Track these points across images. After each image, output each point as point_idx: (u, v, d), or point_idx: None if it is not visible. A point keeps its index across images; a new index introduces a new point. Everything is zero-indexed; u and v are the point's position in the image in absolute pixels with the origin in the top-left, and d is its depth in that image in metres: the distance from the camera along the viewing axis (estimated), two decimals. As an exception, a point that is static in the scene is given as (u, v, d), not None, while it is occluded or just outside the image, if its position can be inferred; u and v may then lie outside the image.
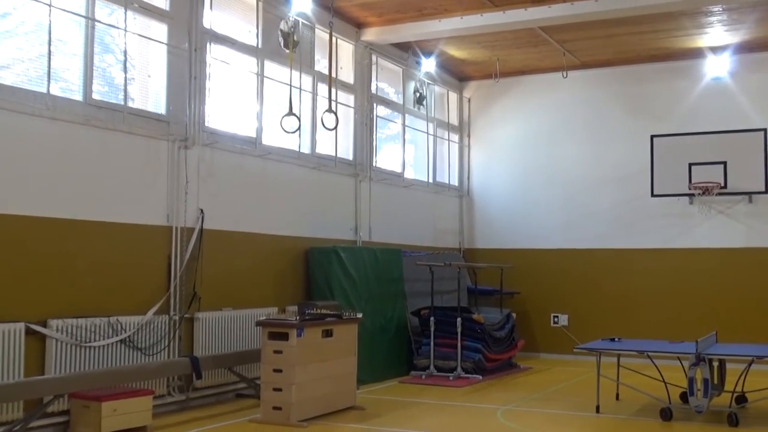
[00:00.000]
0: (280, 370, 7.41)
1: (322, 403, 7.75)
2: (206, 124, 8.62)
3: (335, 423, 7.52)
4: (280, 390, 7.39)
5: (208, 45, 8.68)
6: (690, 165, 11.93)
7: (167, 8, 8.25)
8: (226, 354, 8.32)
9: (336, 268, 9.85)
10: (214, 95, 8.80)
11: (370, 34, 11.24)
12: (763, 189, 11.56)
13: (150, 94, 8.22)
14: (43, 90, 6.91)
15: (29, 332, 6.66)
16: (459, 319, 10.44)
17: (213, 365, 8.10)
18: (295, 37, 9.78)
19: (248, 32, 9.39)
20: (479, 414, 8.12)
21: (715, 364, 8.15)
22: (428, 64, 12.65)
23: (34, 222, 6.77)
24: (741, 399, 8.25)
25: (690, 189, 11.91)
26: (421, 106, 12.94)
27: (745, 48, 11.97)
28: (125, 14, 7.78)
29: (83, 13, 7.38)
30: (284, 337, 7.44)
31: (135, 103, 8.00)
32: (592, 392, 8.36)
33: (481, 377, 10.36)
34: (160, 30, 8.25)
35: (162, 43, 8.21)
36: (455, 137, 14.01)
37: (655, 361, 8.28)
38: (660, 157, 12.20)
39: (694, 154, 11.96)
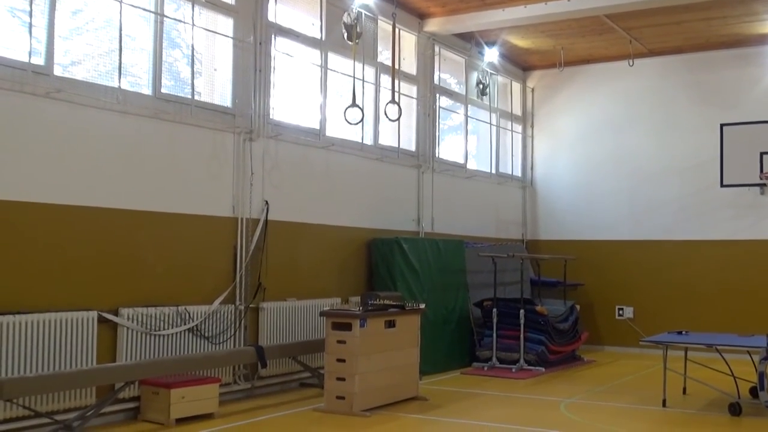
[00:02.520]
0: (343, 360, 7.49)
1: (385, 394, 7.80)
2: (271, 117, 8.72)
3: (397, 413, 7.56)
4: (343, 380, 7.47)
5: (272, 38, 8.78)
6: (761, 154, 11.61)
7: (233, 2, 8.37)
8: (291, 344, 8.44)
9: (398, 259, 9.89)
10: (279, 88, 8.90)
11: (432, 25, 11.22)
12: (838, 179, 11.20)
13: (216, 88, 8.37)
14: (114, 84, 7.09)
15: (101, 320, 6.86)
16: (522, 311, 10.38)
17: (277, 354, 8.23)
18: (358, 29, 9.82)
19: (312, 25, 9.46)
20: (542, 406, 8.07)
21: (788, 358, 7.94)
22: (491, 54, 12.56)
23: (106, 213, 6.96)
24: (814, 395, 8.02)
25: (761, 178, 11.59)
26: (484, 97, 12.86)
27: (820, 33, 11.60)
28: (192, 9, 7.92)
29: (152, 9, 7.54)
30: (347, 327, 7.51)
31: (202, 97, 8.15)
32: (658, 386, 8.23)
33: (544, 369, 10.29)
34: (226, 24, 8.37)
35: (228, 36, 8.33)
36: (518, 127, 13.90)
37: (723, 355, 8.12)
38: (730, 146, 11.90)
39: (766, 142, 11.64)
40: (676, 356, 8.61)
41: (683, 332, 8.97)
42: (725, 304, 12.11)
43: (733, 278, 12.14)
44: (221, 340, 7.97)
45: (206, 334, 7.81)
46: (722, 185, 11.96)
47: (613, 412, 7.82)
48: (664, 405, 7.98)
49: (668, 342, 8.18)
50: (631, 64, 12.59)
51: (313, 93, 9.44)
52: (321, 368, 8.15)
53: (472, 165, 12.63)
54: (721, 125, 11.99)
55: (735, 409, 7.62)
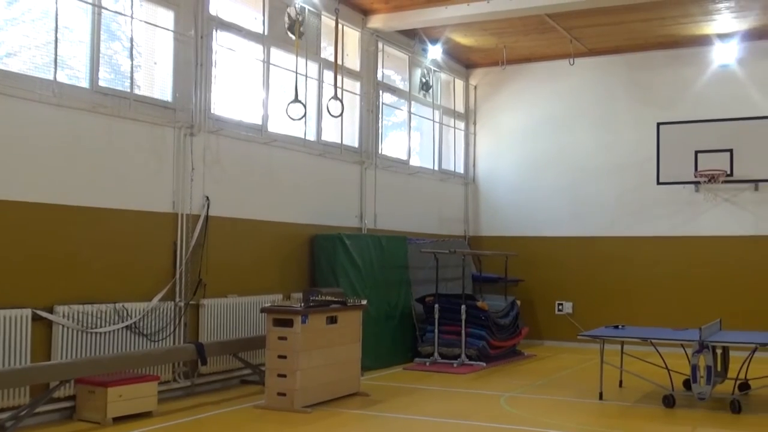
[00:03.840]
0: (284, 357, 7.46)
1: (326, 390, 7.79)
2: (212, 111, 8.63)
3: (339, 409, 7.57)
4: (284, 376, 7.44)
5: (214, 32, 8.69)
6: (696, 153, 11.92)
7: (173, -5, 8.27)
8: (231, 340, 8.38)
9: (341, 255, 9.89)
10: (220, 82, 8.82)
11: (376, 21, 11.23)
12: (769, 177, 11.54)
13: (156, 81, 8.25)
14: (50, 77, 6.94)
15: (36, 318, 6.71)
16: (463, 307, 10.47)
17: (218, 351, 8.16)
18: (301, 24, 9.78)
19: (254, 19, 9.39)
20: (482, 400, 8.16)
21: (719, 351, 8.17)
22: (434, 51, 12.64)
23: (41, 208, 6.81)
24: (744, 386, 8.28)
25: (696, 177, 11.90)
26: (427, 94, 12.93)
27: (753, 35, 11.92)
28: (132, 1, 7.78)
29: (90, 1, 7.39)
30: (289, 323, 7.49)
31: (141, 90, 8.03)
32: (595, 379, 8.39)
33: (484, 364, 10.40)
34: (166, 17, 8.26)
35: (168, 30, 8.22)
36: (461, 125, 14.01)
37: (658, 349, 8.31)
38: (666, 145, 12.18)
39: (701, 141, 11.94)
40: (613, 350, 8.78)
41: (620, 327, 9.15)
42: (661, 299, 12.39)
43: (669, 274, 12.44)
44: (160, 338, 7.87)
45: (145, 332, 7.70)
46: (659, 183, 12.24)
47: (552, 405, 7.95)
48: (600, 398, 8.14)
49: (605, 336, 8.34)
50: (571, 63, 12.78)
51: (256, 88, 9.37)
52: (262, 365, 8.10)
53: (415, 161, 12.69)
54: (658, 124, 12.26)
55: (669, 401, 7.81)
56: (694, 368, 7.67)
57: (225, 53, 8.91)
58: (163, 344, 7.86)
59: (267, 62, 9.43)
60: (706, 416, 7.46)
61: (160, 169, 8.00)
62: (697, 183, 12.08)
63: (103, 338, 7.28)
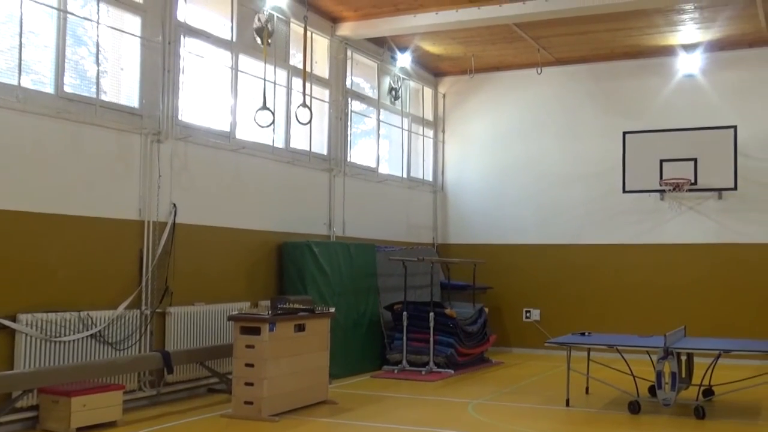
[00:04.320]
0: (251, 365, 7.41)
1: (294, 398, 7.76)
2: (179, 118, 8.58)
3: (307, 417, 7.54)
4: (251, 384, 7.39)
5: (181, 38, 8.64)
6: (661, 161, 12.06)
7: (141, 1, 8.20)
8: (198, 349, 8.31)
9: (309, 262, 9.87)
10: (188, 89, 8.76)
11: (345, 29, 11.24)
12: (732, 185, 11.71)
13: (123, 88, 8.18)
14: (14, 82, 6.85)
15: (-2, 326, 6.62)
16: (431, 314, 10.49)
17: (184, 360, 8.08)
18: (270, 31, 9.76)
19: (223, 26, 9.36)
20: (450, 408, 8.17)
21: (683, 358, 8.27)
22: (403, 60, 12.69)
23: (4, 215, 6.71)
24: (708, 392, 8.39)
25: (661, 185, 12.04)
26: (396, 101, 12.96)
27: (716, 46, 12.12)
28: (98, 6, 7.72)
29: (55, 5, 7.32)
30: (256, 331, 7.45)
31: (107, 96, 7.96)
32: (562, 386, 8.45)
33: (453, 371, 10.43)
34: (133, 23, 8.20)
35: (135, 36, 8.16)
36: (430, 132, 14.06)
37: (624, 355, 8.39)
38: (632, 154, 12.32)
39: (666, 150, 12.09)
40: (580, 357, 8.86)
41: (586, 333, 9.22)
42: (627, 306, 12.52)
43: (635, 281, 12.57)
44: (126, 346, 7.78)
45: (110, 340, 7.62)
46: (624, 191, 12.37)
47: (519, 413, 7.98)
48: (567, 404, 8.19)
49: (572, 343, 8.40)
50: (539, 72, 12.89)
51: (224, 95, 9.33)
52: (229, 373, 8.05)
53: (384, 169, 12.70)
54: (624, 133, 12.40)
55: (634, 408, 7.88)
56: (659, 374, 7.74)
57: (193, 60, 8.86)
58: (128, 353, 7.77)
59: (235, 69, 9.39)
60: (670, 422, 7.54)
61: (127, 176, 7.92)
62: (662, 191, 12.23)
63: (67, 347, 7.18)
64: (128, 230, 7.92)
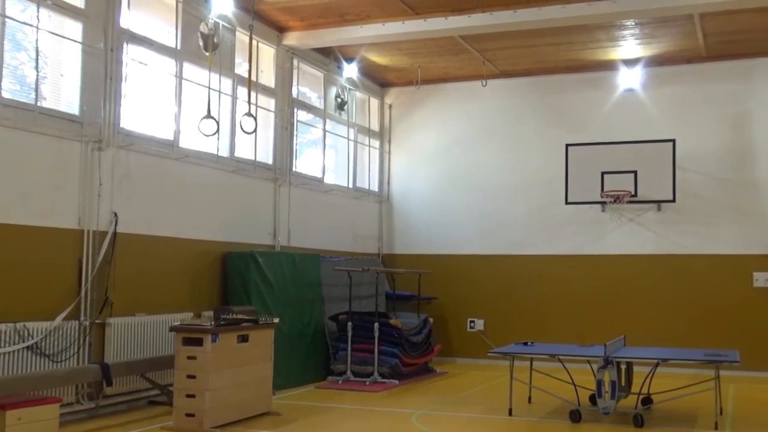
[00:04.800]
0: (193, 377, 7.32)
1: (237, 409, 7.68)
2: (122, 126, 8.45)
3: (250, 429, 7.46)
4: (193, 396, 7.29)
5: (124, 45, 8.52)
6: (602, 173, 12.27)
7: (82, 6, 8.07)
8: (138, 360, 8.17)
9: (253, 272, 9.80)
10: (131, 96, 8.64)
11: (291, 39, 11.22)
12: (671, 198, 11.97)
13: (63, 94, 8.03)
14: (-52, 87, 6.68)
15: (-71, 338, 6.42)
16: (376, 324, 10.49)
17: (124, 372, 7.94)
18: (215, 40, 9.69)
19: (167, 33, 9.26)
20: (394, 418, 8.18)
21: (623, 366, 8.42)
22: (350, 70, 12.70)
23: (-63, 224, 6.54)
24: (647, 400, 8.54)
25: (602, 197, 12.25)
26: (342, 112, 12.97)
27: (656, 61, 12.40)
28: (38, 11, 7.57)
29: (-8, 9, 7.17)
30: (198, 342, 7.36)
31: (47, 103, 7.80)
32: (505, 395, 8.52)
33: (397, 382, 10.44)
34: (74, 28, 8.06)
35: (76, 42, 8.02)
36: (376, 143, 14.10)
37: (566, 365, 8.50)
38: (574, 166, 12.51)
39: (607, 162, 12.31)
40: (523, 366, 8.94)
41: (529, 343, 9.32)
42: (569, 316, 12.69)
43: (577, 291, 12.76)
44: (64, 358, 7.61)
45: (47, 352, 7.44)
46: (567, 203, 12.56)
47: (463, 422, 8.03)
48: (510, 414, 8.26)
49: (514, 353, 8.48)
50: (484, 84, 13.03)
51: (168, 103, 9.22)
52: (170, 385, 7.93)
53: (329, 179, 12.69)
54: (567, 145, 12.59)
55: (575, 416, 7.99)
56: (599, 383, 7.86)
57: (136, 67, 8.75)
58: (66, 365, 7.60)
59: (179, 77, 9.29)
60: (610, 430, 7.65)
61: (66, 184, 7.77)
62: (603, 203, 12.44)
63: (2, 359, 6.99)
64: (67, 239, 7.76)
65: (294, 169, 11.55)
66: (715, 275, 12.10)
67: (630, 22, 10.77)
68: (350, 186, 13.22)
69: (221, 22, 9.93)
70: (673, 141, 12.02)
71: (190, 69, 9.49)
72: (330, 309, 11.12)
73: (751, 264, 11.96)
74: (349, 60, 12.55)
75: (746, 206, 12.05)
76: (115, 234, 8.22)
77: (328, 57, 12.35)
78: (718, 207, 12.17)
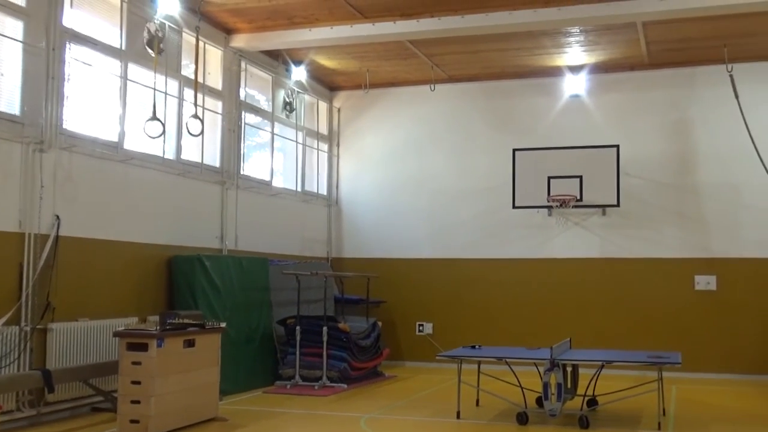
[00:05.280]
0: (138, 382, 7.19)
1: (183, 415, 7.57)
2: (64, 127, 8.28)
3: (196, 435, 7.38)
4: (138, 402, 7.17)
5: (67, 44, 8.35)
6: (549, 178, 12.41)
7: (23, 4, 7.89)
8: (81, 366, 8.01)
9: (200, 276, 9.68)
10: (74, 97, 8.47)
11: (239, 41, 11.12)
12: (615, 202, 12.16)
13: (3, 94, 7.82)
14: None
15: None
16: (325, 328, 10.45)
17: (67, 378, 7.78)
18: (161, 41, 9.56)
19: (112, 33, 9.10)
20: (343, 422, 8.15)
21: (569, 369, 8.52)
22: (298, 73, 12.64)
23: None
24: (592, 402, 8.65)
25: (548, 201, 12.39)
26: (291, 115, 12.90)
27: (600, 68, 12.61)
28: (-24, 9, 7.39)
29: (-71, 6, 6.97)
30: (143, 347, 7.23)
31: (-14, 103, 7.61)
32: (453, 398, 8.55)
33: (346, 386, 10.41)
34: (15, 27, 7.87)
35: (17, 40, 7.83)
36: (324, 146, 14.05)
37: (513, 368, 8.57)
38: (521, 170, 12.63)
39: (553, 167, 12.46)
40: (471, 369, 8.99)
41: (476, 347, 9.37)
42: (516, 320, 12.81)
43: (524, 295, 12.89)
44: (4, 364, 7.40)
45: (-14, 358, 7.25)
46: (514, 207, 12.67)
47: (411, 426, 8.04)
48: (458, 417, 8.29)
49: (462, 356, 8.53)
50: (432, 88, 13.09)
51: (112, 104, 9.07)
52: (114, 391, 7.78)
53: (278, 182, 12.61)
54: (514, 150, 12.71)
55: (522, 419, 8.05)
56: (546, 386, 7.94)
57: (79, 67, 8.57)
58: (6, 371, 7.40)
59: (124, 78, 9.14)
60: (556, 431, 7.75)
61: (6, 186, 7.57)
62: (549, 207, 12.59)
63: (-62, 366, 6.80)
64: (7, 243, 7.56)
65: (242, 173, 11.45)
66: (658, 278, 12.34)
67: (575, 29, 10.93)
68: (299, 189, 13.15)
69: (167, 23, 9.80)
70: (617, 147, 12.21)
71: (135, 70, 9.33)
72: (278, 313, 11.04)
73: (692, 267, 12.23)
74: (298, 63, 12.49)
75: (688, 211, 12.31)
76: (57, 237, 8.04)
77: (277, 60, 12.28)
78: (660, 212, 12.41)
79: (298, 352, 10.48)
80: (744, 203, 12.05)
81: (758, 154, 11.15)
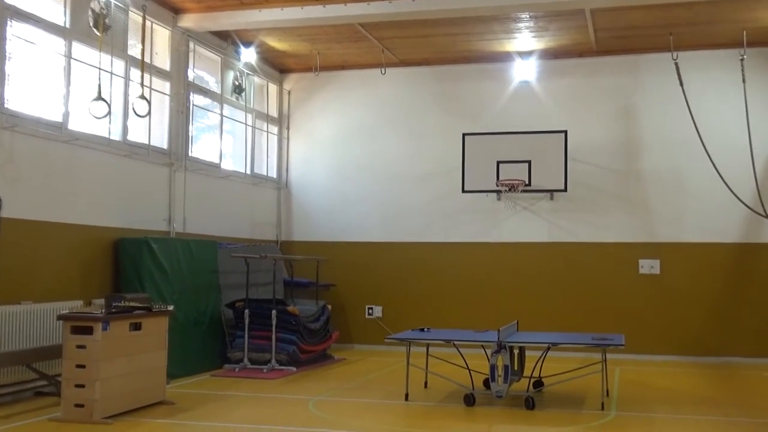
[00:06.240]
0: (83, 366, 7.10)
1: (129, 399, 7.49)
2: (6, 106, 8.08)
3: (142, 419, 7.30)
4: (83, 387, 7.08)
5: (9, 22, 8.14)
6: (498, 163, 12.51)
7: (-38, -21, 7.69)
8: (24, 350, 7.87)
9: (147, 259, 9.57)
10: (16, 76, 8.27)
11: (187, 21, 10.97)
12: (563, 187, 12.32)
13: (-59, 72, 7.63)
14: None
15: None
16: (274, 312, 10.42)
17: (8, 362, 7.64)
18: (107, 19, 9.37)
19: (56, 11, 8.89)
20: (291, 405, 8.16)
21: (516, 351, 8.63)
22: (248, 55, 12.52)
23: None
24: (538, 384, 8.80)
25: (498, 186, 12.50)
26: (240, 97, 12.78)
27: (550, 54, 12.73)
28: None
29: None
30: (88, 331, 7.13)
31: (-77, 80, 7.39)
32: (402, 381, 8.61)
33: (295, 369, 10.41)
34: (-47, 2, 7.66)
35: (-44, 16, 7.63)
36: (274, 129, 13.96)
37: (461, 350, 8.66)
38: (471, 155, 12.71)
39: (502, 152, 12.55)
40: (420, 352, 9.05)
41: (425, 329, 9.44)
42: (466, 303, 12.92)
43: (473, 278, 13.00)
44: (-57, 349, 7.26)
45: (-76, 342, 7.08)
46: (464, 191, 12.75)
47: (359, 408, 8.07)
48: (406, 399, 8.36)
49: (411, 339, 8.58)
50: (383, 72, 13.08)
51: (56, 84, 8.88)
52: (58, 375, 7.66)
53: (227, 165, 12.49)
54: (464, 135, 12.78)
55: (469, 400, 8.15)
56: (493, 368, 8.05)
57: (22, 45, 8.37)
58: (-55, 356, 7.26)
59: (69, 57, 8.95)
60: (503, 413, 7.85)
61: (-55, 166, 7.40)
62: (498, 192, 12.70)
63: None
64: (-54, 224, 7.39)
65: (190, 155, 11.32)
66: (604, 262, 12.55)
67: (525, 15, 11.01)
68: (248, 172, 13.05)
69: (113, 1, 9.62)
70: (565, 132, 12.36)
71: (80, 49, 9.15)
72: (227, 296, 10.98)
73: (637, 252, 12.47)
74: (248, 44, 12.37)
75: (633, 196, 12.54)
76: (-1, 219, 7.88)
77: (226, 41, 12.14)
78: (606, 197, 12.61)
79: (246, 336, 10.44)
80: (687, 189, 12.31)
81: (702, 142, 11.39)
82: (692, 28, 11.41)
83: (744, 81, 11.35)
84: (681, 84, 11.53)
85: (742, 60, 11.34)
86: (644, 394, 8.99)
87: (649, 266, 12.43)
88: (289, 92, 14.17)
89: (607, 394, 8.37)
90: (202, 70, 11.99)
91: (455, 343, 8.55)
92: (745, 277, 12.08)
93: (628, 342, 8.64)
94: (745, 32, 11.28)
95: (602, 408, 7.92)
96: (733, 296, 12.10)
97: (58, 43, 8.89)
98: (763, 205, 11.42)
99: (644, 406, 8.26)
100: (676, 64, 11.52)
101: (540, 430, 7.12)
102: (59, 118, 8.84)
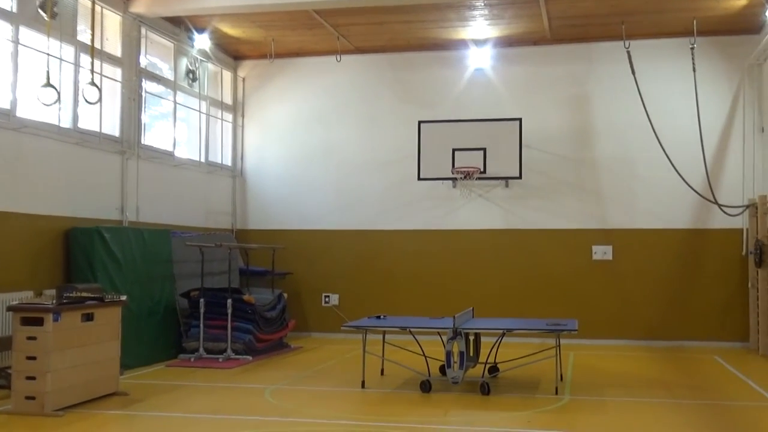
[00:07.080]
0: (34, 358, 6.99)
1: (82, 391, 7.40)
2: (-50, 93, 7.90)
3: (95, 410, 7.21)
4: (33, 378, 6.97)
5: (-47, 6, 7.94)
6: (453, 150, 12.55)
7: None
8: (-27, 342, 7.72)
9: (99, 249, 9.43)
10: (-39, 61, 8.08)
11: (139, 6, 10.79)
12: (517, 174, 12.40)
13: None
14: None
15: None
16: (229, 300, 10.35)
17: (-43, 354, 7.48)
18: (55, 4, 9.17)
19: (1, -5, 8.69)
20: (247, 394, 8.12)
21: (471, 337, 8.70)
22: (202, 41, 12.37)
23: None
24: (493, 369, 8.89)
25: (453, 173, 12.54)
26: (194, 84, 12.62)
27: (504, 42, 12.78)
28: None
29: None
30: (39, 322, 7.02)
31: None
32: (358, 368, 8.61)
33: (251, 358, 10.36)
34: None
35: None
36: (229, 117, 13.82)
37: (417, 337, 8.69)
38: (426, 143, 12.73)
39: (458, 140, 12.59)
40: (377, 339, 9.07)
41: (381, 317, 9.46)
42: (422, 290, 12.97)
43: (429, 265, 13.05)
44: None
45: None
46: (419, 179, 12.78)
47: (316, 396, 8.07)
48: (363, 386, 8.37)
49: (367, 326, 8.59)
50: (338, 59, 13.03)
51: (3, 70, 8.67)
52: (9, 368, 7.52)
53: (181, 153, 12.34)
54: (419, 122, 12.79)
55: (425, 386, 8.19)
56: (449, 354, 8.10)
57: (-33, 30, 8.17)
58: None
59: (16, 42, 8.75)
60: (458, 398, 7.91)
61: None
62: (454, 179, 12.75)
63: None
64: None
65: (143, 142, 11.15)
66: (558, 249, 12.69)
67: (479, 3, 11.04)
68: (202, 160, 12.92)
69: (62, -14, 9.42)
70: (520, 120, 12.43)
71: (27, 34, 8.95)
72: (181, 286, 10.87)
73: (590, 238, 12.63)
74: (201, 30, 12.22)
75: (586, 183, 12.68)
76: (-56, 209, 7.68)
77: (179, 27, 11.97)
78: (560, 184, 12.74)
79: (202, 325, 10.36)
80: (639, 176, 12.49)
81: (653, 129, 11.56)
82: (644, 17, 11.55)
83: (694, 69, 11.55)
84: (633, 72, 11.68)
85: (692, 49, 11.54)
86: (597, 379, 9.12)
87: (602, 252, 12.60)
88: (243, 79, 14.03)
89: (561, 379, 8.47)
90: (155, 57, 11.81)
91: (411, 330, 8.58)
92: (695, 263, 12.31)
93: (581, 327, 8.75)
94: (695, 21, 11.45)
95: (556, 392, 8.02)
96: (683, 281, 12.32)
97: (5, 28, 8.68)
98: (712, 192, 11.64)
99: (597, 390, 8.39)
100: (628, 52, 11.66)
101: (495, 415, 7.19)
102: (7, 105, 8.64)
